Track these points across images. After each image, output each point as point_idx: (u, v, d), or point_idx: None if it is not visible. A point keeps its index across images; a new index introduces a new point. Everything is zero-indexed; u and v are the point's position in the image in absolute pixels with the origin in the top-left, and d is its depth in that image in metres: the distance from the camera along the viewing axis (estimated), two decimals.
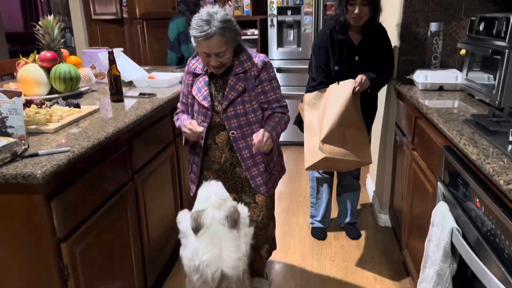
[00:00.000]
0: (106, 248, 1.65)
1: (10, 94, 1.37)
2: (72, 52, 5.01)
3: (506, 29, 1.69)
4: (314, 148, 2.26)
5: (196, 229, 1.53)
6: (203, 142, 1.91)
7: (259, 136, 1.76)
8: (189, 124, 1.80)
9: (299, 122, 2.57)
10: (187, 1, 3.53)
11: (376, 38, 2.38)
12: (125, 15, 4.53)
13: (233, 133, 1.86)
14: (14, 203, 1.29)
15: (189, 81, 1.91)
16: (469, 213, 1.38)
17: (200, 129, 1.79)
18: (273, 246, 2.25)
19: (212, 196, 1.59)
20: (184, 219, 1.70)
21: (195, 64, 1.90)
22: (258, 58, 1.87)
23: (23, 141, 1.40)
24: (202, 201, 1.59)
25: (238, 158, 1.90)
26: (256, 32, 4.54)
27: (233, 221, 1.56)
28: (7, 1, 6.84)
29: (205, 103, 1.83)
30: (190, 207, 1.77)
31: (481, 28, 1.92)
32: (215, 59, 1.73)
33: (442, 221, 1.44)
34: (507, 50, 1.69)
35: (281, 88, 3.61)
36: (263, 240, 2.10)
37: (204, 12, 1.72)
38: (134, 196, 1.90)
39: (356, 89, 2.23)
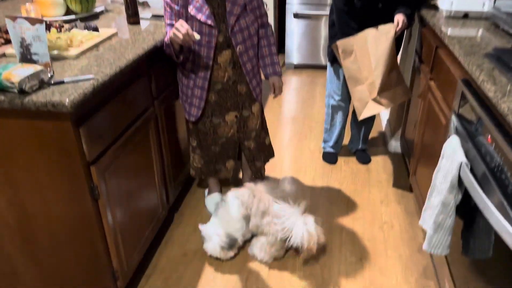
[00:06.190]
0: (131, 168, 1.76)
1: (33, 21, 1.38)
2: None
3: None
4: (364, 99, 2.34)
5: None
6: (211, 62, 1.92)
7: (279, 89, 2.11)
8: (180, 25, 1.72)
9: (333, 59, 2.57)
10: None
11: None
12: None
13: (239, 48, 1.93)
14: (47, 129, 1.36)
15: (182, 1, 1.85)
16: (479, 147, 1.43)
17: (197, 36, 1.76)
18: (270, 153, 2.40)
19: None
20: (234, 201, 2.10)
21: None
22: None
23: (48, 68, 1.44)
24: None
25: (241, 74, 2.01)
26: None
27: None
28: None
29: (210, 22, 1.84)
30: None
31: None
32: None
33: (452, 154, 1.50)
34: None
35: (297, 35, 4.21)
36: (260, 150, 2.29)
37: None
38: (155, 121, 1.97)
39: (398, 32, 2.23)
